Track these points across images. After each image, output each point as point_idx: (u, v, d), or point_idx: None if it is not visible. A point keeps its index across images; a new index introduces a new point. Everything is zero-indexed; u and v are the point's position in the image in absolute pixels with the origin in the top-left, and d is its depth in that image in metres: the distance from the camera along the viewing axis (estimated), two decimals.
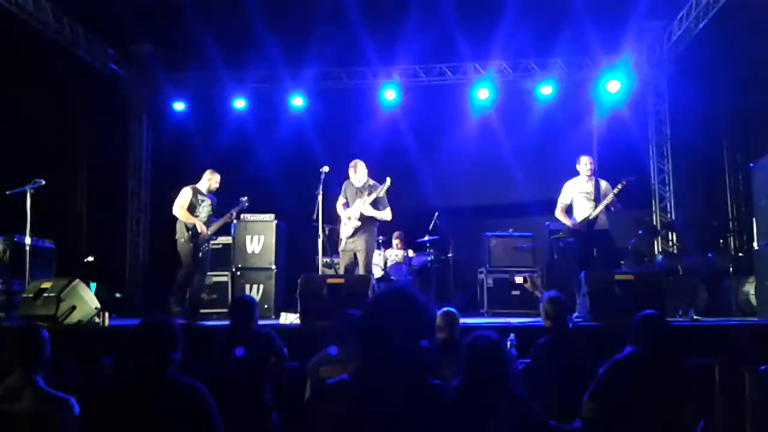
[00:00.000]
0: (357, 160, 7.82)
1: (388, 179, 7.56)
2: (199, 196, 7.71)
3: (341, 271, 7.79)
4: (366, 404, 2.09)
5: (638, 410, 3.53)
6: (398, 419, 2.07)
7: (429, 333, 2.22)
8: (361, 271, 7.55)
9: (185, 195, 7.67)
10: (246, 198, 7.94)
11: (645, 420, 3.51)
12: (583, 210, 7.45)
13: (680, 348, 4.02)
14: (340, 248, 7.77)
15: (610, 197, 7.30)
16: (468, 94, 10.94)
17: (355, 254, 7.66)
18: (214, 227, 7.74)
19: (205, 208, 7.72)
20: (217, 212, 7.87)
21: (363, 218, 7.57)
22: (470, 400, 2.99)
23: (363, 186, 7.71)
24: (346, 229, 7.66)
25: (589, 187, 7.51)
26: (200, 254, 7.64)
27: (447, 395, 2.21)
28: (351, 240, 7.62)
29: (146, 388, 2.88)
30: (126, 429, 2.81)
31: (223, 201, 7.89)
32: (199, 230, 7.53)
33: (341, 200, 7.83)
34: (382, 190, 7.54)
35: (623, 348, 3.82)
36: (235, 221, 8.35)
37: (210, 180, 7.82)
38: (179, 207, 7.62)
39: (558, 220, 7.81)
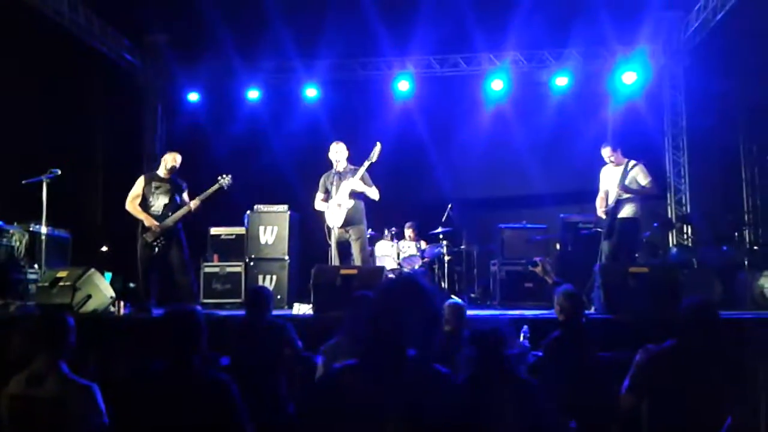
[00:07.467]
0: (340, 142, 7.56)
1: (379, 143, 7.28)
2: (154, 184, 7.13)
3: (336, 263, 7.35)
4: (373, 389, 2.11)
5: (682, 403, 3.34)
6: (405, 404, 2.09)
7: (436, 322, 2.28)
8: (357, 262, 7.37)
9: (135, 186, 7.17)
10: (224, 177, 7.36)
11: (689, 414, 3.31)
12: (612, 198, 7.36)
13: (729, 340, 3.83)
14: (332, 240, 7.39)
15: (618, 190, 7.15)
16: (482, 85, 10.89)
17: (348, 244, 7.48)
18: (176, 215, 7.05)
19: (160, 197, 7.09)
20: (195, 192, 7.30)
21: (354, 197, 7.32)
22: (476, 386, 2.99)
23: (345, 170, 7.45)
24: (335, 217, 7.33)
25: (617, 173, 7.35)
26: (155, 250, 7.01)
27: (453, 381, 2.26)
28: (344, 229, 7.41)
29: (174, 377, 2.91)
30: (153, 418, 2.84)
31: (233, 192, 7.60)
32: (147, 224, 6.99)
33: (320, 196, 7.59)
34: (374, 155, 7.23)
35: (638, 340, 3.77)
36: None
37: (165, 161, 7.24)
38: (127, 200, 7.13)
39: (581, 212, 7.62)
